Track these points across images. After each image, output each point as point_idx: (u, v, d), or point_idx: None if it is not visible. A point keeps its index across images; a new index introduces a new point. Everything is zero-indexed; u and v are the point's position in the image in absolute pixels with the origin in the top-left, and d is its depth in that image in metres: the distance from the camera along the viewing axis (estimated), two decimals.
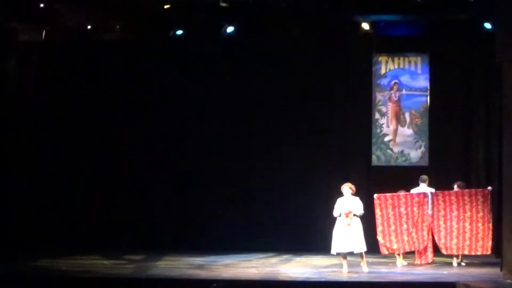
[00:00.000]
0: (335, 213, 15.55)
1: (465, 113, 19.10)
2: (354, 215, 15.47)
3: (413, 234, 16.62)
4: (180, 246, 18.69)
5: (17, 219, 18.23)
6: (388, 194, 16.67)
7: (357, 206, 15.55)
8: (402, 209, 16.61)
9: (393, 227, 16.61)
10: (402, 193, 16.89)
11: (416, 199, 16.67)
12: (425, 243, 16.64)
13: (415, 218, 16.62)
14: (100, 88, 19.52)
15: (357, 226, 15.51)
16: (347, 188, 15.69)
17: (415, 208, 16.62)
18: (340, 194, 15.74)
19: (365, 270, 15.58)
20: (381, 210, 16.56)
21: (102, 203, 19.31)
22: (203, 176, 19.39)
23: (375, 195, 16.59)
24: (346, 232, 15.43)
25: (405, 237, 16.62)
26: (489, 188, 16.81)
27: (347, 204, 15.53)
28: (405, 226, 16.61)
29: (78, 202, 19.38)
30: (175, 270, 16.05)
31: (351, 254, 15.73)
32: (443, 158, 19.02)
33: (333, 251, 15.63)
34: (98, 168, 19.47)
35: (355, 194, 15.75)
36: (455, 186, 16.96)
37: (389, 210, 16.59)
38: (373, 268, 16.00)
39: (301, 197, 19.13)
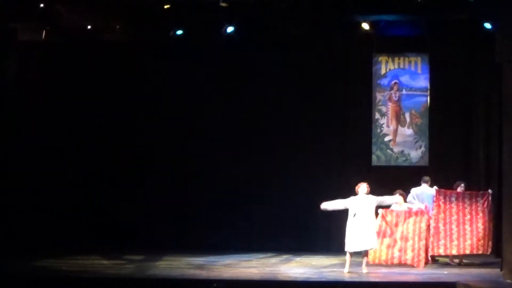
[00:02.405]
0: (351, 211, 15.52)
1: (465, 113, 19.11)
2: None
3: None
4: (180, 246, 18.68)
5: (17, 219, 18.23)
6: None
7: (372, 203, 15.54)
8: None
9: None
10: (399, 192, 16.83)
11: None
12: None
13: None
14: (100, 88, 19.51)
15: (371, 223, 15.54)
16: (364, 187, 15.65)
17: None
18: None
19: (364, 271, 15.57)
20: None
21: (102, 203, 19.30)
22: (203, 176, 19.38)
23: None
24: (360, 230, 15.44)
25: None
26: (490, 191, 16.82)
27: (362, 203, 15.52)
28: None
29: (78, 202, 19.38)
30: (175, 270, 16.04)
31: (357, 254, 15.74)
32: (443, 158, 19.01)
33: (348, 248, 15.56)
34: (98, 168, 19.47)
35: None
36: (459, 188, 16.96)
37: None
38: (373, 268, 16.01)
39: (301, 197, 19.11)
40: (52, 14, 17.72)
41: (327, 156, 19.22)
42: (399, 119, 19.24)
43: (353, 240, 15.45)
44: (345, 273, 15.42)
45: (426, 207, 16.73)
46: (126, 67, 19.48)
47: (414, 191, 17.07)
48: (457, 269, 16.19)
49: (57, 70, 19.55)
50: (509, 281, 14.43)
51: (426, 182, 17.07)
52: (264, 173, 19.31)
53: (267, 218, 19.18)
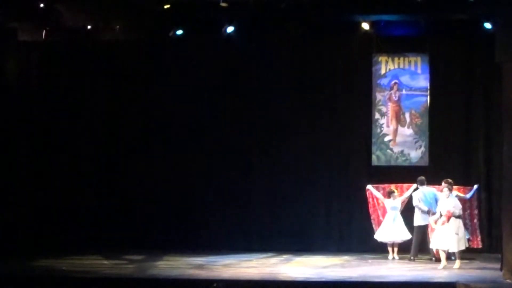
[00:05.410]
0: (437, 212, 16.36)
1: (465, 113, 19.10)
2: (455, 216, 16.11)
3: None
4: (180, 246, 18.69)
5: (17, 219, 18.23)
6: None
7: (455, 206, 16.17)
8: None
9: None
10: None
11: None
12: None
13: None
14: (100, 88, 19.52)
15: (456, 226, 16.03)
16: (445, 189, 16.41)
17: None
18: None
19: (456, 266, 16.04)
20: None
21: (102, 203, 19.30)
22: (203, 176, 19.37)
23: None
24: (443, 230, 16.02)
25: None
26: (476, 186, 17.31)
27: (446, 204, 16.15)
28: None
29: (78, 202, 19.38)
30: (175, 270, 16.06)
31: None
32: (443, 158, 19.00)
33: (441, 246, 16.21)
34: (98, 167, 19.48)
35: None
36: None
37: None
38: (373, 268, 16.01)
39: (301, 197, 19.12)
40: (52, 14, 17.70)
41: (327, 156, 19.20)
42: (399, 119, 19.22)
43: (444, 239, 16.03)
44: (440, 268, 15.96)
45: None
46: (126, 67, 19.48)
47: (417, 195, 17.23)
48: (457, 269, 16.19)
49: (57, 70, 19.56)
50: (509, 281, 14.45)
51: (422, 183, 17.13)
52: (264, 173, 19.30)
53: (267, 218, 19.18)
